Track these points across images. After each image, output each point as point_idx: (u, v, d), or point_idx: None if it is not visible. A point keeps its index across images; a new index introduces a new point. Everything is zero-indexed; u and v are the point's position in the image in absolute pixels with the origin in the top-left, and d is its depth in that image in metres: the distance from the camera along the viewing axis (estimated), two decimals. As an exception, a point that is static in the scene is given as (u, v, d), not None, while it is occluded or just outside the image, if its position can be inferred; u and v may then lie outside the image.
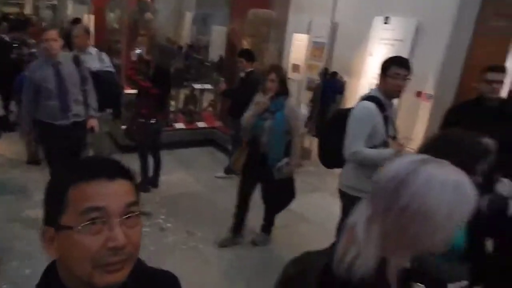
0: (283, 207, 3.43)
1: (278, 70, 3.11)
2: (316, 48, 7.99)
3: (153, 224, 3.73)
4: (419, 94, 5.77)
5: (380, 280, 0.89)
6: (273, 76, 3.02)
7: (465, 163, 1.30)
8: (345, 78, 7.12)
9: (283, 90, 3.07)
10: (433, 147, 1.44)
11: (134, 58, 4.56)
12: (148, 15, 9.26)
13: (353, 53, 7.13)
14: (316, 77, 7.29)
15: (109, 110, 4.56)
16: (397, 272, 0.91)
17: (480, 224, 1.53)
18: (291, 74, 8.60)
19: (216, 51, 8.27)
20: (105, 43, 7.91)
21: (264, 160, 3.10)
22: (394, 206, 0.87)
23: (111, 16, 8.88)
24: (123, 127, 4.51)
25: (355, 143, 2.41)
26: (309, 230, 3.88)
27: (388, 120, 2.51)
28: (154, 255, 3.16)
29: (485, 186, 1.78)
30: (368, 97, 2.55)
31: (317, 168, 4.89)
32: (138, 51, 4.63)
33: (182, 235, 3.61)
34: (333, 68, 7.37)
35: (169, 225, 3.76)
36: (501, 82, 2.82)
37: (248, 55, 4.67)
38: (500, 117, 2.69)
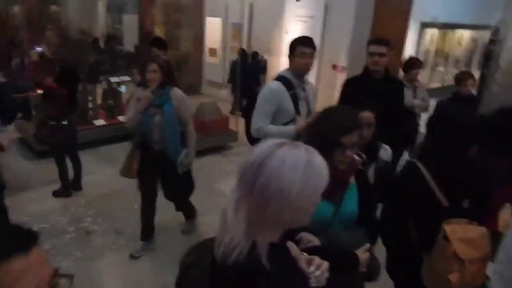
0: (187, 197, 3.37)
1: (159, 59, 2.96)
2: (234, 29, 7.99)
3: (79, 228, 3.57)
4: (334, 67, 6.06)
5: (253, 261, 0.92)
6: (154, 66, 2.78)
7: (330, 137, 1.41)
8: (266, 57, 7.24)
9: (167, 80, 2.88)
10: (312, 124, 1.56)
11: (34, 57, 4.23)
12: (54, 7, 8.58)
13: (271, 32, 7.24)
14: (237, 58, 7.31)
15: (18, 116, 4.19)
16: (267, 250, 0.93)
17: (368, 191, 1.67)
18: (208, 58, 8.55)
19: (130, 41, 7.94)
20: (9, 42, 7.24)
21: (162, 156, 2.93)
22: (254, 188, 0.92)
23: (13, 11, 8.11)
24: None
25: (259, 120, 2.54)
26: (239, 212, 3.95)
27: (297, 98, 2.61)
28: (81, 261, 3.04)
29: (370, 155, 1.93)
30: (277, 77, 2.66)
31: (244, 148, 4.97)
32: (39, 49, 4.29)
33: (110, 236, 3.50)
34: (253, 48, 7.44)
35: (96, 227, 3.62)
36: (382, 54, 2.86)
37: (160, 43, 4.54)
38: (383, 89, 2.79)
